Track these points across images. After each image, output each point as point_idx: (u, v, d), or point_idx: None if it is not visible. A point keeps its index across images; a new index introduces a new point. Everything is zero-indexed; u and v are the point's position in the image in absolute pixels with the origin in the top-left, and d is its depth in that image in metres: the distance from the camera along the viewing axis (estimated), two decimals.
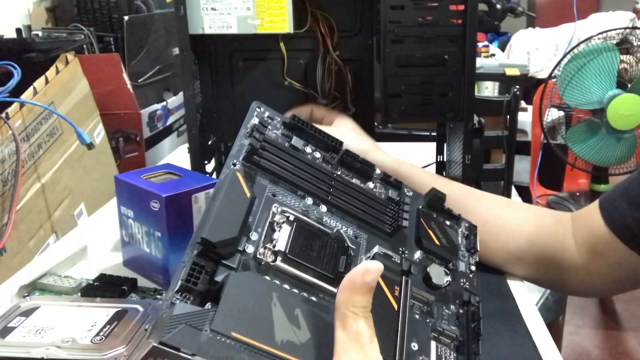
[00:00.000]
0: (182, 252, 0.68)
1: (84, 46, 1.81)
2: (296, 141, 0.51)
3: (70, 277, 0.72)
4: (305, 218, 0.46)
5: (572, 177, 2.17)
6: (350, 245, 0.47)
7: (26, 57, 1.42)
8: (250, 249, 0.42)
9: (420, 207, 0.56)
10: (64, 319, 0.60)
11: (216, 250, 0.39)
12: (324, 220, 0.48)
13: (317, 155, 0.52)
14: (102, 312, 0.61)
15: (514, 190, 1.04)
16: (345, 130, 0.78)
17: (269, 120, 0.51)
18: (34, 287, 0.70)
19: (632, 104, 1.68)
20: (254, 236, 0.42)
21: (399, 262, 0.49)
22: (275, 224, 0.44)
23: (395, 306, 0.45)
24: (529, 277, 0.71)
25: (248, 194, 0.43)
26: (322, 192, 0.49)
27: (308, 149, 0.51)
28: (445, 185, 0.66)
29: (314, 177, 0.49)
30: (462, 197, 0.70)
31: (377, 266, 0.37)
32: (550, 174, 2.15)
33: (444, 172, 0.96)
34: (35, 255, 1.28)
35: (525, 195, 2.06)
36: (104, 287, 0.69)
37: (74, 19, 1.98)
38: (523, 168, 2.16)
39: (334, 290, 0.42)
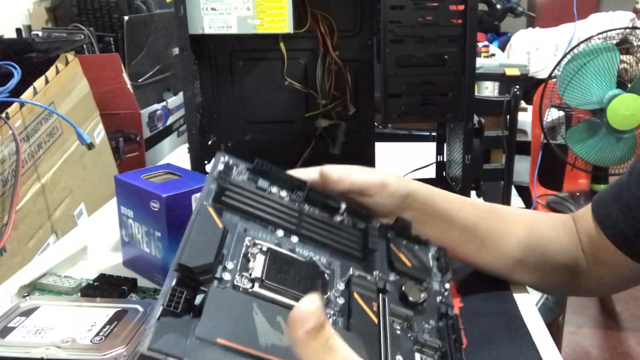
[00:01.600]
0: None
1: (84, 46, 1.81)
2: (262, 182, 0.53)
3: (70, 277, 0.71)
4: (278, 248, 0.47)
5: (572, 177, 2.17)
6: (324, 270, 0.48)
7: (26, 57, 1.42)
8: (227, 277, 0.42)
9: (389, 235, 0.57)
10: (63, 319, 0.60)
11: (194, 276, 0.40)
12: (297, 250, 0.49)
13: (283, 194, 0.53)
14: (102, 312, 0.61)
15: (514, 190, 1.04)
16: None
17: (235, 167, 0.53)
18: (34, 287, 0.70)
19: (632, 104, 1.68)
20: (229, 265, 0.43)
21: (373, 281, 0.50)
22: (249, 254, 0.45)
23: (375, 320, 0.45)
24: (534, 283, 0.70)
25: (220, 225, 0.44)
26: (292, 225, 0.50)
27: (274, 189, 0.53)
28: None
29: (282, 212, 0.51)
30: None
31: (313, 304, 0.35)
32: (550, 174, 2.15)
33: (444, 172, 0.96)
34: (35, 255, 1.28)
35: (525, 195, 2.06)
36: (104, 287, 0.69)
37: (74, 19, 1.98)
38: (523, 168, 2.16)
39: None
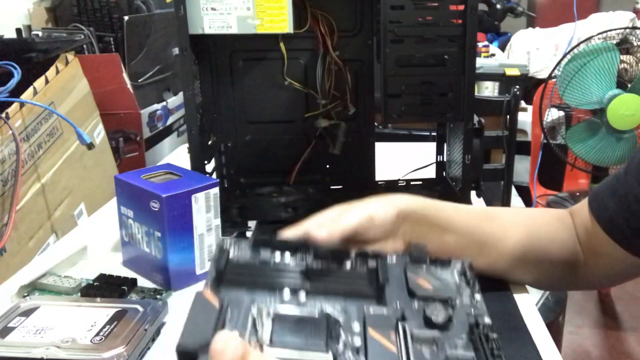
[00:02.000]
0: (181, 252, 0.68)
1: (84, 46, 1.81)
2: (264, 254, 0.53)
3: (70, 277, 0.71)
4: (286, 310, 0.48)
5: (572, 177, 2.17)
6: (338, 318, 0.48)
7: (26, 57, 1.42)
8: None
9: (406, 264, 0.57)
10: (63, 319, 0.60)
11: (193, 354, 0.40)
12: (307, 305, 0.49)
13: (288, 259, 0.54)
14: (102, 312, 0.61)
15: (514, 190, 1.04)
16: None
17: (236, 246, 0.54)
18: (33, 287, 0.70)
19: (632, 104, 1.68)
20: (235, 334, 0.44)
21: (390, 314, 0.50)
22: (256, 322, 0.46)
23: (394, 348, 0.45)
24: (534, 280, 0.70)
25: (216, 305, 0.45)
26: (298, 283, 0.51)
27: (277, 258, 0.54)
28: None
29: (288, 275, 0.52)
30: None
31: (225, 340, 0.37)
32: (550, 174, 2.15)
33: (444, 172, 0.96)
34: (35, 255, 1.27)
35: (525, 195, 2.06)
36: (104, 287, 0.69)
37: (74, 19, 1.98)
38: (523, 168, 2.16)
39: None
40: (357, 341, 0.46)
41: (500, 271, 0.67)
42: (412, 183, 0.97)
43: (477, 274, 0.55)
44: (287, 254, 0.54)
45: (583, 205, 0.67)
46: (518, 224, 0.67)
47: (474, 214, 0.67)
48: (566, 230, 0.68)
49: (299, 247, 0.55)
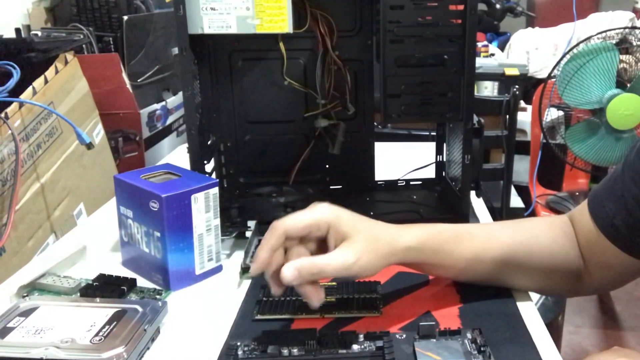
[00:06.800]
0: (181, 252, 0.68)
1: (83, 46, 1.81)
2: (272, 349, 0.55)
3: (70, 277, 0.71)
4: None
5: (572, 177, 2.17)
6: None
7: (25, 57, 1.41)
8: None
9: (415, 341, 0.58)
10: (63, 319, 0.60)
11: None
12: None
13: (295, 351, 0.55)
14: (101, 312, 0.61)
15: (513, 190, 1.04)
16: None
17: (244, 346, 0.56)
18: (33, 287, 0.70)
19: (632, 103, 1.68)
20: None
21: None
22: None
23: None
24: (537, 290, 0.70)
25: None
26: None
27: (285, 352, 0.55)
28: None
29: None
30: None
31: None
32: (550, 174, 2.15)
33: (444, 172, 0.96)
34: (35, 255, 1.27)
35: (525, 195, 2.06)
36: (103, 287, 0.69)
37: (73, 19, 1.98)
38: (522, 168, 2.16)
39: None
40: None
41: (490, 281, 0.67)
42: (411, 183, 0.97)
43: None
44: (295, 347, 0.55)
45: (583, 208, 0.67)
46: (502, 235, 0.66)
47: (444, 234, 0.65)
48: (570, 243, 0.67)
49: (308, 336, 0.56)
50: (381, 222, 0.63)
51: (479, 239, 0.65)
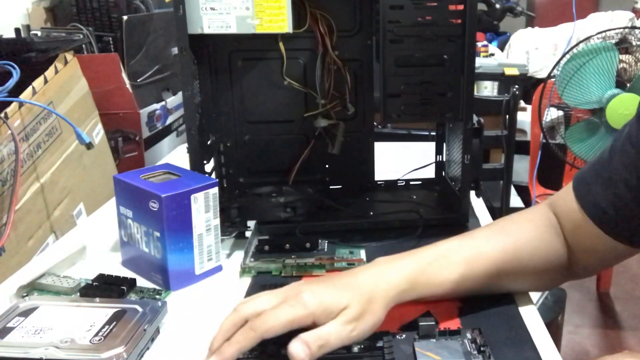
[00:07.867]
0: (180, 252, 0.68)
1: (83, 46, 1.81)
2: (271, 349, 0.55)
3: (69, 277, 0.71)
4: None
5: (571, 177, 2.16)
6: None
7: (25, 57, 1.41)
8: None
9: (414, 341, 0.57)
10: (62, 319, 0.60)
11: None
12: None
13: None
14: (101, 312, 0.61)
15: (513, 190, 1.04)
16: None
17: None
18: (32, 287, 0.70)
19: (631, 103, 1.68)
20: None
21: None
22: None
23: None
24: (527, 288, 0.70)
25: None
26: None
27: (284, 352, 0.54)
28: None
29: None
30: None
31: None
32: (550, 174, 2.15)
33: (443, 172, 0.96)
34: (34, 255, 1.27)
35: (525, 194, 2.06)
36: (103, 287, 0.69)
37: (72, 19, 1.98)
38: (522, 168, 2.16)
39: None
40: None
41: (483, 292, 0.66)
42: (411, 183, 0.97)
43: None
44: None
45: (566, 192, 0.66)
46: (489, 249, 0.65)
47: (425, 255, 0.64)
48: (550, 231, 0.66)
49: None
50: (368, 269, 0.61)
51: (465, 258, 0.64)
